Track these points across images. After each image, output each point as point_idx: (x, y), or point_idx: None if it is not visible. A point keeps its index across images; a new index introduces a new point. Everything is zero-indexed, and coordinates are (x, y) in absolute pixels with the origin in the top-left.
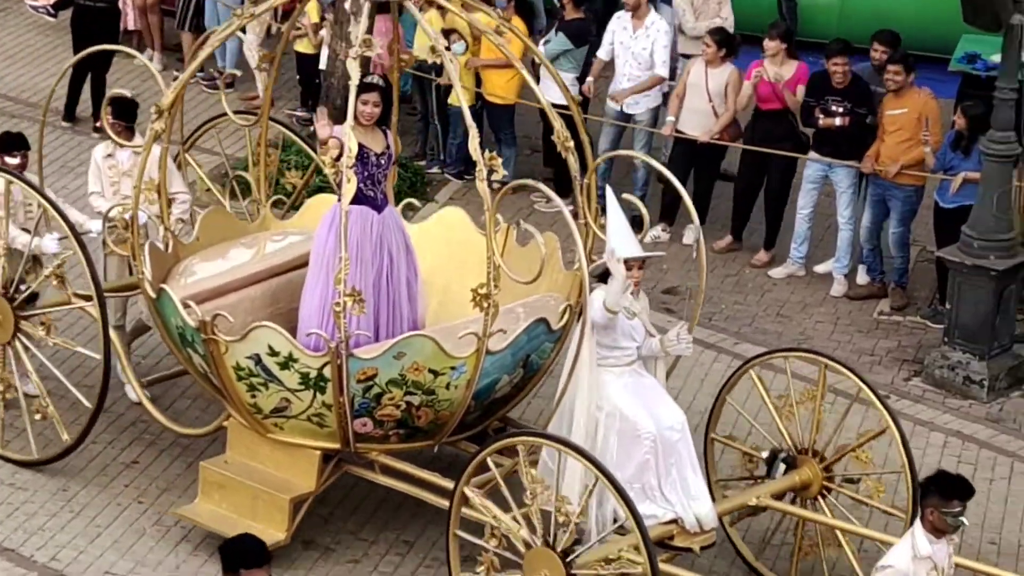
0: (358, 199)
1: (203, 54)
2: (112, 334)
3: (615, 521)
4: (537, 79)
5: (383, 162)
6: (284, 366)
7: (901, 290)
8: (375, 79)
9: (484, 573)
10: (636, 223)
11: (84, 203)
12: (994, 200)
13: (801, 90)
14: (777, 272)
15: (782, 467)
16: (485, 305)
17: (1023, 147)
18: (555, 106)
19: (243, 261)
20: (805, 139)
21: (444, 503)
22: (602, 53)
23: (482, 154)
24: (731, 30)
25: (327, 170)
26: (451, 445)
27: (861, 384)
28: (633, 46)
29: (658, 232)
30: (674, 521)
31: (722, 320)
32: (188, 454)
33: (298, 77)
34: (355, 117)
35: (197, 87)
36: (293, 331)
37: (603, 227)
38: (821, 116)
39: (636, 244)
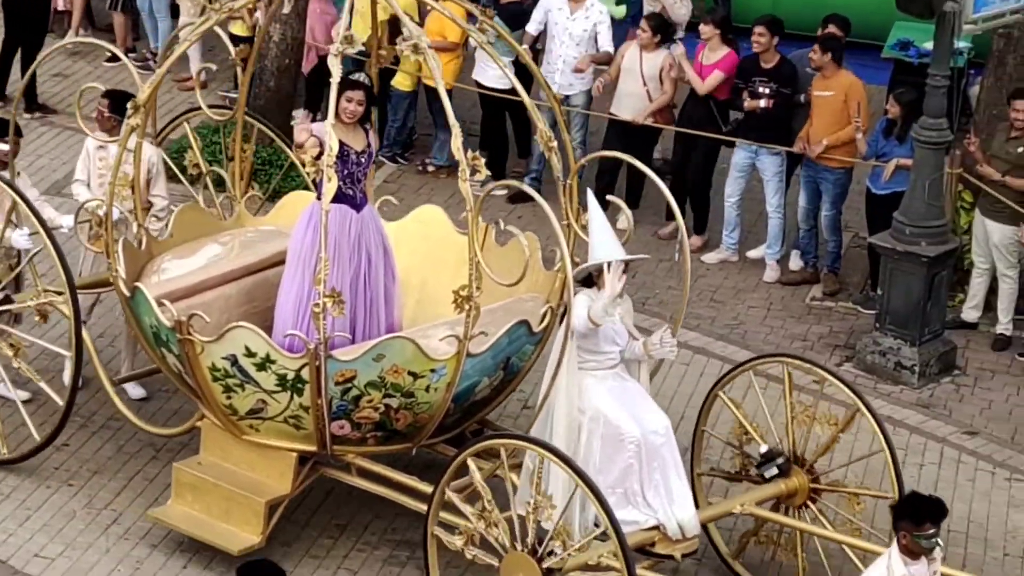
0: (337, 198)
1: (179, 50)
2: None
3: (596, 526)
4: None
5: (363, 160)
6: (261, 367)
7: (833, 276)
8: (361, 77)
9: None
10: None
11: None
12: (926, 187)
13: (717, 75)
14: (710, 257)
15: (774, 470)
16: (467, 307)
17: (955, 134)
18: (492, 89)
19: (218, 258)
20: (727, 124)
21: (422, 507)
22: (531, 28)
23: (465, 154)
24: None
25: (307, 168)
26: (429, 448)
27: (855, 397)
28: (571, 27)
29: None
30: (656, 527)
31: (656, 305)
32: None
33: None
34: (336, 114)
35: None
36: (269, 330)
37: (585, 228)
38: (747, 98)
39: (620, 248)
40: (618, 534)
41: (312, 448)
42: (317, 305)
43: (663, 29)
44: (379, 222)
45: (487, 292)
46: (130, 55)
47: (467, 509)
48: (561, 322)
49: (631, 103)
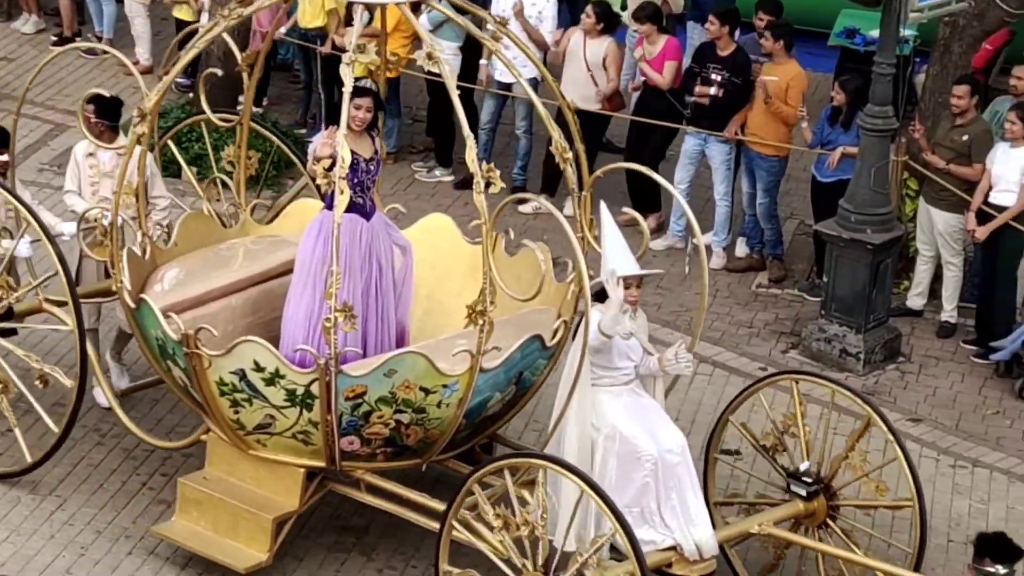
0: (347, 207)
1: (187, 56)
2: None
3: (611, 547)
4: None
5: (372, 168)
6: (270, 382)
7: (779, 263)
8: (368, 83)
9: None
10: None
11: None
12: (871, 174)
13: (671, 65)
14: (657, 244)
15: (802, 490)
16: (480, 322)
17: (900, 122)
18: (435, 74)
19: (223, 269)
20: (682, 115)
21: (433, 525)
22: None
23: (479, 166)
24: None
25: (319, 180)
26: (438, 463)
27: (871, 412)
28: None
29: (540, 203)
30: (673, 548)
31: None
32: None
33: (178, 43)
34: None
35: (76, 54)
36: (274, 341)
37: (597, 238)
38: (697, 86)
39: (634, 262)
40: (638, 555)
41: (321, 464)
42: (328, 320)
43: (608, 19)
44: (388, 228)
45: (497, 304)
46: (76, 39)
47: (485, 533)
48: (575, 336)
49: (575, 89)
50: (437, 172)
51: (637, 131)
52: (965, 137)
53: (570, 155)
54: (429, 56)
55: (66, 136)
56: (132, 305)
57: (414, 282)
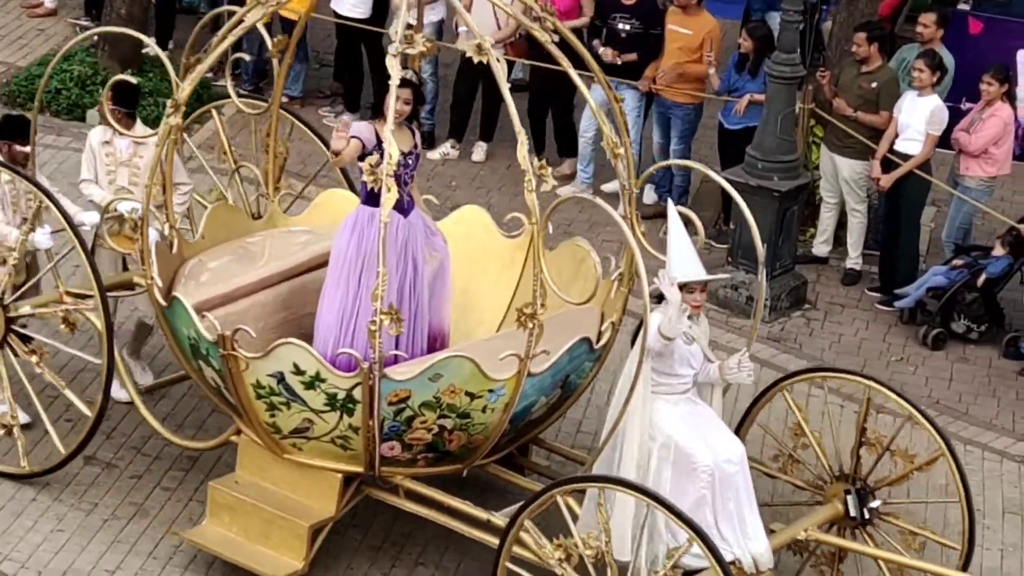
0: (374, 199)
1: (222, 46)
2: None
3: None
4: None
5: (411, 162)
6: (310, 386)
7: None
8: (408, 74)
9: None
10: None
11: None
12: (778, 122)
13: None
14: (565, 191)
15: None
16: (530, 325)
17: (807, 69)
18: (348, 19)
19: (252, 263)
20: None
21: (473, 532)
22: None
23: (531, 162)
24: None
25: (365, 177)
26: (479, 467)
27: (911, 408)
28: None
29: (447, 149)
30: (732, 562)
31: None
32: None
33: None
34: (384, 114)
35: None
36: (304, 338)
37: (645, 235)
38: (599, 46)
39: (699, 265)
40: (722, 566)
41: (359, 469)
42: (373, 322)
43: None
44: (425, 222)
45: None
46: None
47: (547, 548)
48: (633, 342)
49: (482, 33)
50: (345, 116)
51: (543, 76)
52: (874, 84)
53: (621, 151)
54: (479, 47)
55: None
56: (163, 303)
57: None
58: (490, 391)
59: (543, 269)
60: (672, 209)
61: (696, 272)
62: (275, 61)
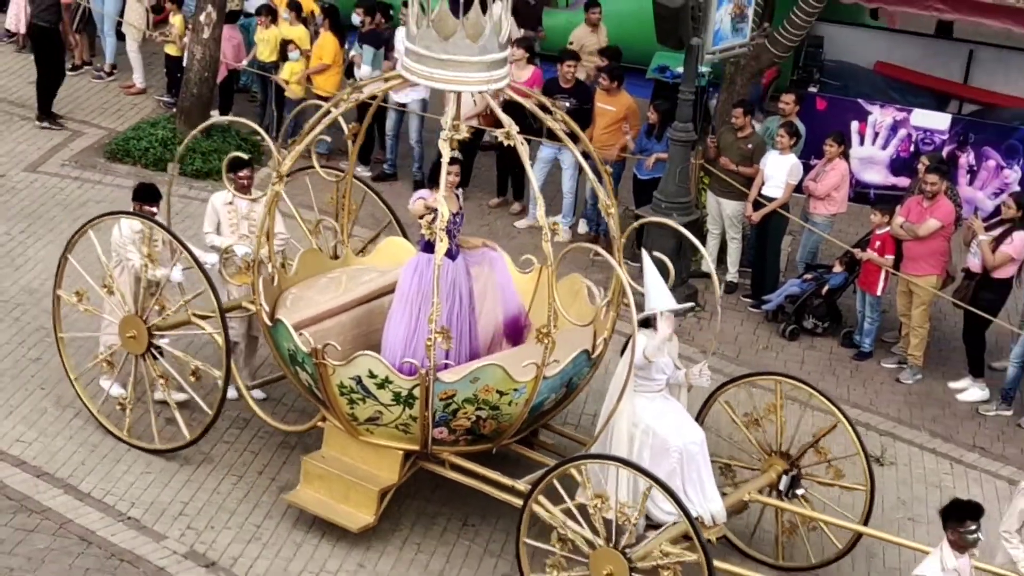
0: (432, 247)
1: (318, 128)
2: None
3: (648, 519)
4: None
5: (458, 220)
6: (380, 386)
7: (609, 238)
8: (456, 154)
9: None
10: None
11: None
12: (677, 173)
13: (536, 91)
14: (521, 223)
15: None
16: (546, 341)
17: (698, 135)
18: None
19: (333, 293)
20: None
21: (504, 496)
22: (396, 53)
23: (546, 220)
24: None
25: (423, 231)
26: (503, 445)
27: (814, 392)
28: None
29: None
30: (697, 517)
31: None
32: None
33: (165, 71)
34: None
35: (90, 78)
36: (372, 348)
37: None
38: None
39: (672, 298)
40: (689, 519)
41: (415, 447)
42: (430, 339)
43: None
44: (468, 263)
45: (543, 320)
46: (85, 66)
47: (557, 513)
48: (623, 352)
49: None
50: (358, 168)
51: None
52: (749, 146)
53: (614, 210)
54: (508, 135)
55: (81, 139)
56: (269, 323)
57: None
58: (515, 390)
59: (556, 299)
60: (646, 255)
61: (670, 303)
62: (349, 142)
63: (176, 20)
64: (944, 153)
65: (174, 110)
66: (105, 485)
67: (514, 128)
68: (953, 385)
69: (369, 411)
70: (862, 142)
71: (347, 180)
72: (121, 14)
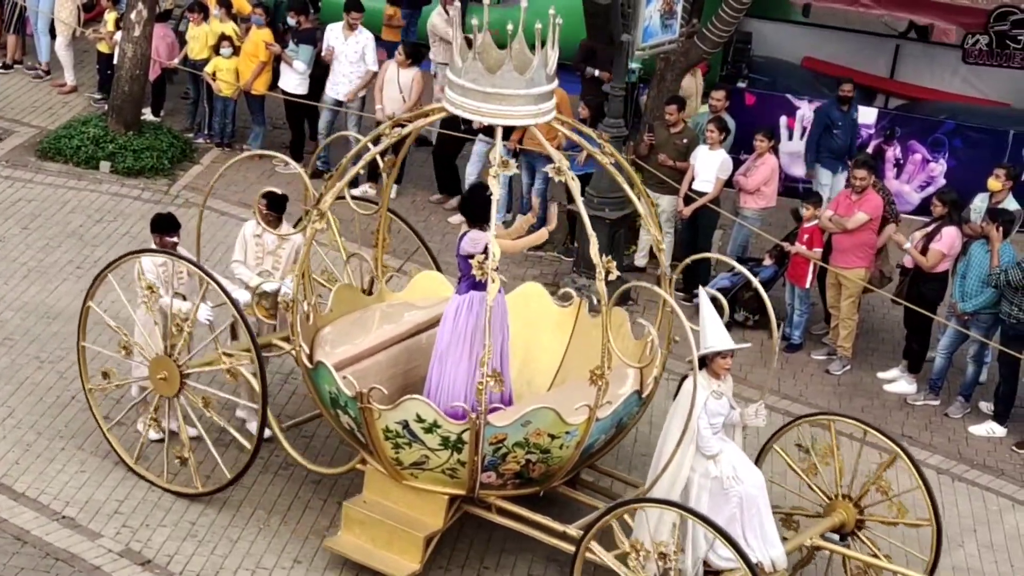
0: (479, 286)
1: (353, 170)
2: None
3: (707, 566)
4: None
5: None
6: (428, 430)
7: (544, 233)
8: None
9: None
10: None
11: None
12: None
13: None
14: (454, 219)
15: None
16: (600, 383)
17: (629, 131)
18: (293, 95)
19: (369, 331)
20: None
21: (552, 541)
22: (324, 50)
23: (601, 259)
24: None
25: (474, 271)
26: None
27: (870, 429)
28: (346, 49)
29: (366, 189)
30: (757, 563)
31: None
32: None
33: (97, 68)
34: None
35: (22, 76)
36: (408, 388)
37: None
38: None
39: (728, 337)
40: (750, 567)
41: (462, 492)
42: (481, 382)
43: (415, 54)
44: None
45: (585, 356)
46: (16, 65)
47: (610, 560)
48: (675, 396)
49: (392, 105)
50: (292, 166)
51: (442, 137)
52: (684, 141)
53: (664, 246)
54: (558, 171)
55: (12, 138)
56: (310, 366)
57: (513, 338)
58: (566, 432)
59: (610, 339)
60: (703, 292)
61: (727, 343)
62: (384, 175)
63: (109, 17)
64: (871, 147)
65: (106, 108)
66: (39, 484)
67: (564, 163)
68: (882, 376)
69: (415, 455)
70: (791, 137)
71: (382, 214)
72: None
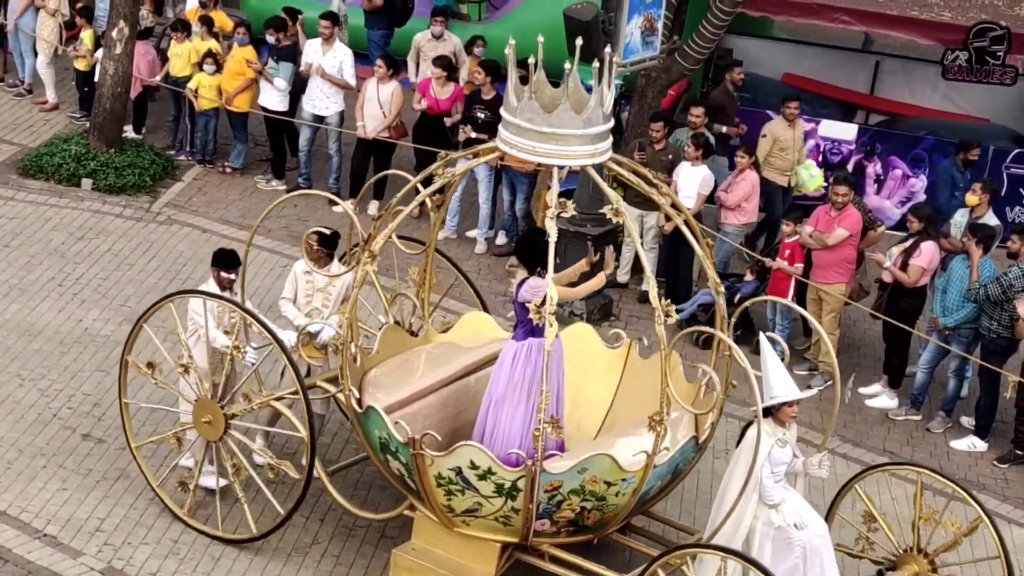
0: (536, 332)
1: (399, 218)
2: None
3: None
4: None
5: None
6: (482, 477)
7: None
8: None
9: None
10: None
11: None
12: (591, 184)
13: (458, 106)
14: (441, 235)
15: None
16: (659, 430)
17: (615, 145)
18: (274, 112)
19: (416, 373)
20: (453, 139)
21: None
22: (302, 67)
23: (660, 302)
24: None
25: (531, 315)
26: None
27: (958, 489)
28: (324, 63)
29: (349, 206)
30: None
31: (385, 270)
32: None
33: (75, 85)
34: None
35: (3, 93)
36: (457, 431)
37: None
38: (467, 127)
39: (794, 386)
40: None
41: (514, 540)
42: (538, 429)
43: (394, 67)
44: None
45: (636, 398)
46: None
47: None
48: (738, 443)
49: (372, 122)
50: (273, 183)
51: (421, 155)
52: (669, 156)
53: (722, 288)
54: (616, 212)
55: None
56: (360, 410)
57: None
58: (623, 480)
59: (669, 385)
60: (764, 339)
61: (793, 392)
62: (432, 214)
63: (86, 35)
64: (851, 163)
65: (87, 125)
66: (21, 502)
67: (621, 204)
68: (863, 391)
69: (468, 503)
70: None
71: (429, 253)
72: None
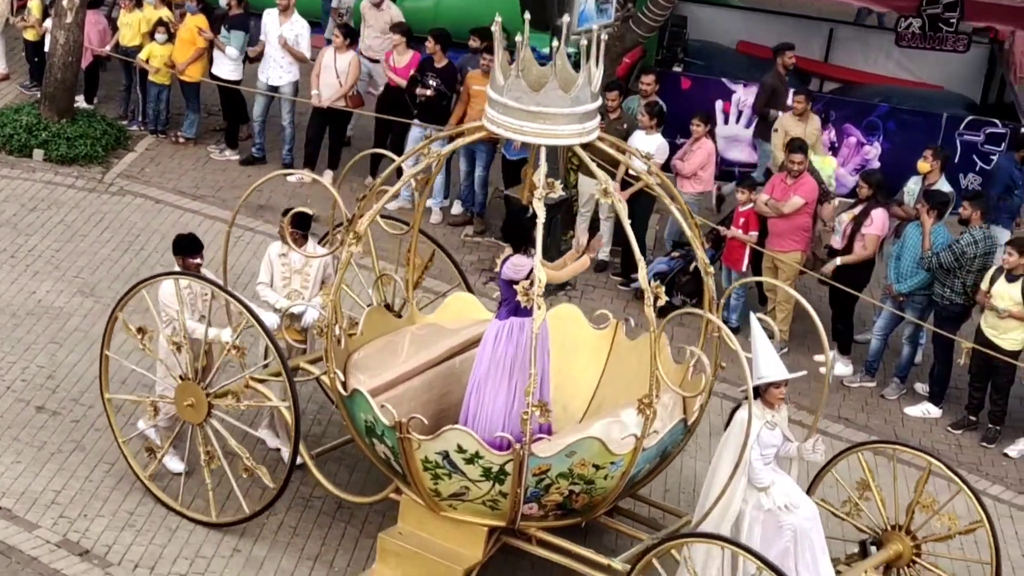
0: (520, 312)
1: (392, 190)
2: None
3: None
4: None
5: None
6: (469, 461)
7: (481, 218)
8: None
9: None
10: None
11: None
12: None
13: (412, 73)
14: (391, 206)
15: (874, 549)
16: (648, 413)
17: None
18: (227, 81)
19: (402, 356)
20: (411, 111)
21: (594, 574)
22: (262, 36)
23: (650, 284)
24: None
25: (519, 297)
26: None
27: (953, 476)
28: (283, 33)
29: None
30: None
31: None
32: None
33: (24, 56)
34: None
35: None
36: (443, 414)
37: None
38: (418, 88)
39: (783, 367)
40: None
41: (502, 523)
42: (526, 412)
43: (352, 36)
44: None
45: (623, 380)
46: None
47: None
48: (727, 425)
49: (328, 91)
50: (227, 152)
51: (380, 123)
52: (624, 126)
53: (712, 270)
54: (605, 192)
55: None
56: (345, 394)
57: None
58: (612, 463)
59: (659, 367)
60: (754, 319)
61: (781, 372)
62: (416, 193)
63: (33, 4)
64: None
65: (38, 95)
66: None
67: (611, 184)
68: (818, 358)
69: (455, 487)
70: (727, 121)
71: (414, 233)
72: None
